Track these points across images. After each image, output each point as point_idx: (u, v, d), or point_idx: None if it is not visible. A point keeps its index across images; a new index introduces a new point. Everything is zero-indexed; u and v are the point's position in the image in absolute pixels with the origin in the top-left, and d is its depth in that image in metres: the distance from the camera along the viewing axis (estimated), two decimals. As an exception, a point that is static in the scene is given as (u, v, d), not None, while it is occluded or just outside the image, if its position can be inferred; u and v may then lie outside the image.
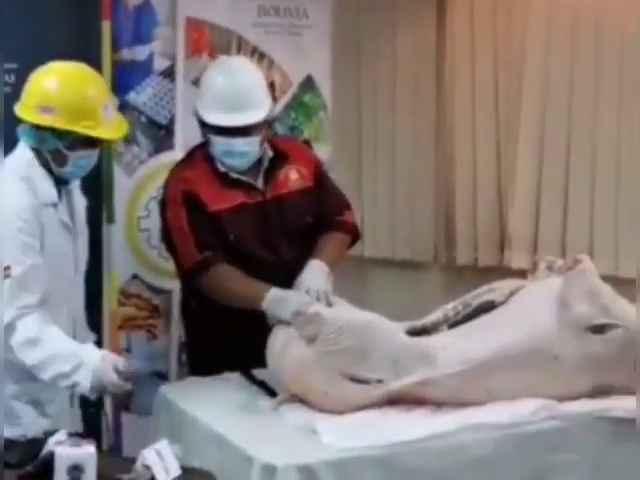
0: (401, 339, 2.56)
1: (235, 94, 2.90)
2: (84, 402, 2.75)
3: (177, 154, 3.35)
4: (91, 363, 2.43)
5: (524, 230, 3.91)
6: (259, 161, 3.00)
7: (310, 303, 2.67)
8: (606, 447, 2.56)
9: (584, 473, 2.53)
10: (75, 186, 2.72)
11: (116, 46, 3.38)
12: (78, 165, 2.60)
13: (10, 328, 2.41)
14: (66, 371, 2.42)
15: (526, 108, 3.86)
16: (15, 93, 2.72)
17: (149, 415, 2.86)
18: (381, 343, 2.51)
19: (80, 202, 2.76)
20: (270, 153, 3.02)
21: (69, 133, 2.52)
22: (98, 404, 3.01)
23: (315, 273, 2.87)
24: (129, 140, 3.37)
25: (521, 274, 3.25)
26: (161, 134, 3.49)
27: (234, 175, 2.96)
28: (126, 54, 3.42)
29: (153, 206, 3.33)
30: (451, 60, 4.06)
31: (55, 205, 2.59)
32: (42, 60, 2.67)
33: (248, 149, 2.94)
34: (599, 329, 2.59)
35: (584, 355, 2.57)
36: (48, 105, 2.50)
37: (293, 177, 3.04)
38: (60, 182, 2.62)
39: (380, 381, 2.48)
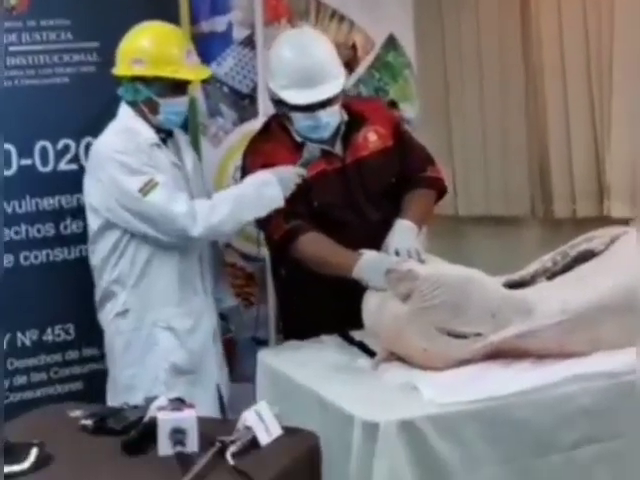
0: (499, 291, 2.51)
1: (309, 69, 2.84)
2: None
3: (261, 122, 3.32)
4: (266, 178, 2.79)
5: (623, 178, 3.77)
6: (336, 128, 2.96)
7: (402, 261, 2.62)
8: None
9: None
10: (182, 139, 3.00)
11: (194, 19, 3.41)
12: (170, 112, 2.86)
13: (190, 217, 2.74)
14: (257, 196, 2.78)
15: (618, 51, 3.72)
16: (98, 71, 2.99)
17: (249, 383, 2.88)
18: (478, 296, 2.45)
19: (189, 151, 3.00)
20: (345, 117, 2.98)
21: (158, 80, 2.81)
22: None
23: (403, 233, 2.82)
24: (213, 111, 3.39)
25: (622, 223, 3.14)
26: (244, 103, 3.50)
27: (323, 148, 2.93)
28: (205, 26, 3.44)
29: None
30: (536, 8, 3.93)
31: (159, 145, 2.85)
32: (122, 37, 2.88)
33: (331, 119, 2.91)
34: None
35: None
36: (138, 57, 2.81)
37: (372, 138, 3.00)
38: (161, 132, 2.88)
39: (479, 335, 2.43)
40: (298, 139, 2.94)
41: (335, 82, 2.88)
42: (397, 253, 2.72)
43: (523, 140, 4.08)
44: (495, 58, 4.03)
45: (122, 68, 2.85)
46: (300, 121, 2.89)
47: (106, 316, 2.88)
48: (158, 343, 2.85)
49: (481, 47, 4.05)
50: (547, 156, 4.02)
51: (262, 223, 2.93)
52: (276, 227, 2.87)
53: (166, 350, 2.85)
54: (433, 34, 4.03)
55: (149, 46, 2.82)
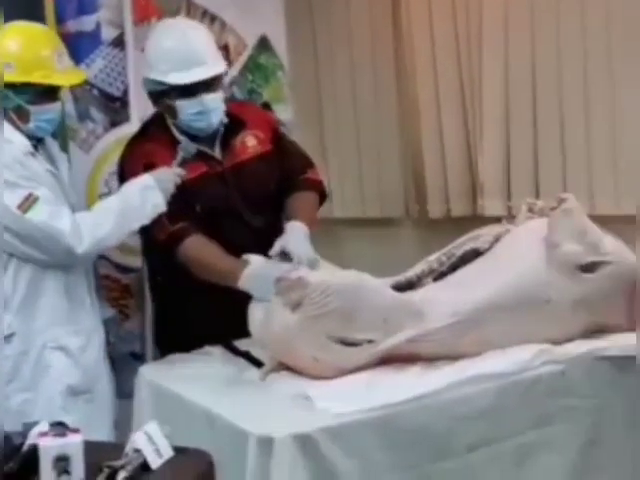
0: (390, 296, 2.47)
1: (190, 51, 2.80)
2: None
3: (134, 126, 3.20)
4: (144, 183, 2.70)
5: (496, 176, 3.84)
6: (215, 130, 2.90)
7: (291, 269, 2.54)
8: (606, 387, 2.50)
9: (586, 415, 2.48)
10: (53, 145, 2.85)
11: (60, 18, 3.24)
12: (42, 120, 2.70)
13: (75, 234, 2.61)
14: (138, 206, 2.68)
15: (488, 50, 3.78)
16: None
17: (128, 398, 2.76)
18: (370, 302, 2.41)
19: (61, 156, 2.87)
20: (225, 119, 2.91)
21: (27, 86, 2.65)
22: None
23: (297, 237, 2.75)
24: (82, 115, 3.25)
25: (496, 222, 3.16)
26: (116, 107, 3.35)
27: (198, 147, 2.85)
28: (72, 26, 3.27)
29: (114, 182, 3.19)
30: (407, 8, 3.95)
31: (33, 154, 2.69)
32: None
33: (218, 105, 2.85)
34: (590, 267, 2.52)
35: (576, 295, 2.50)
36: (5, 62, 2.61)
37: (250, 143, 2.95)
38: (32, 140, 2.72)
39: (371, 341, 2.39)
40: (179, 137, 2.86)
41: (217, 63, 2.86)
42: (299, 260, 2.63)
43: (396, 142, 4.11)
44: (367, 60, 4.05)
45: None
46: (186, 109, 2.81)
47: None
48: (51, 365, 2.70)
49: (353, 48, 4.07)
50: (420, 157, 4.06)
51: (145, 226, 2.80)
52: (161, 229, 2.78)
53: (60, 372, 2.70)
54: (305, 35, 4.02)
55: (17, 49, 2.65)
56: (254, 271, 2.60)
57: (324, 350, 2.39)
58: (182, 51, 2.79)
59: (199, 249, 2.75)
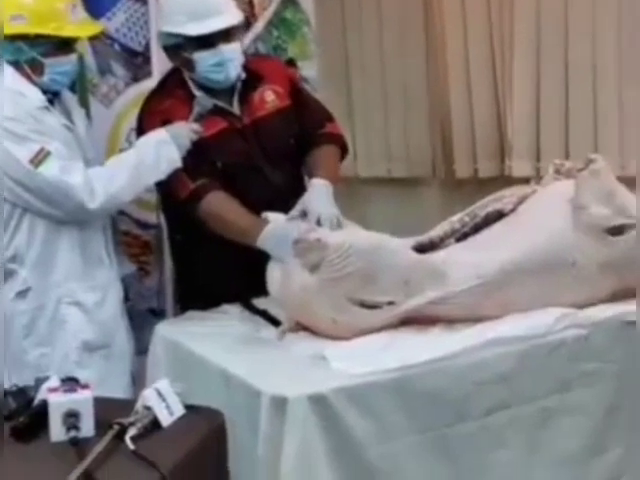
0: (410, 257, 2.41)
1: (205, 1, 2.75)
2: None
3: (156, 81, 3.15)
4: (159, 138, 2.66)
5: (524, 137, 3.75)
6: (232, 85, 2.86)
7: (310, 230, 2.50)
8: (630, 352, 2.43)
9: (609, 380, 2.43)
10: (71, 99, 2.80)
11: (82, -29, 3.19)
12: (56, 72, 2.66)
13: (88, 189, 2.57)
14: (155, 160, 2.65)
15: (519, 8, 3.67)
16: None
17: (145, 355, 2.74)
18: (390, 264, 2.35)
19: (79, 111, 2.82)
20: (242, 74, 2.86)
21: (41, 38, 2.61)
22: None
23: (321, 195, 2.70)
24: (103, 70, 3.22)
25: (524, 183, 3.10)
26: (137, 61, 3.33)
27: (215, 102, 2.81)
28: (93, -21, 3.22)
29: (134, 137, 3.14)
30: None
31: (47, 108, 2.64)
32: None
33: (236, 55, 2.81)
34: (617, 230, 2.46)
35: (603, 259, 2.45)
36: (18, 14, 2.59)
37: (269, 98, 2.90)
38: (47, 94, 2.67)
39: (391, 303, 2.34)
40: (196, 92, 2.81)
41: (234, 13, 2.82)
42: (319, 221, 2.59)
43: (424, 100, 4.02)
44: (395, 16, 3.96)
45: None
46: (204, 61, 2.77)
47: (3, 296, 2.65)
48: (66, 320, 2.68)
49: (381, 4, 3.97)
50: (448, 117, 3.97)
51: (165, 184, 2.77)
52: (182, 186, 2.74)
53: (75, 327, 2.68)
54: (332, -10, 3.91)
55: (30, 1, 2.60)
56: (273, 231, 2.57)
57: (343, 312, 2.35)
58: (198, 1, 2.74)
59: (220, 205, 2.72)
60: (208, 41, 2.75)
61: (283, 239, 2.50)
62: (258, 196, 2.77)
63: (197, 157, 2.73)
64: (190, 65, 2.80)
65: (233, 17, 2.80)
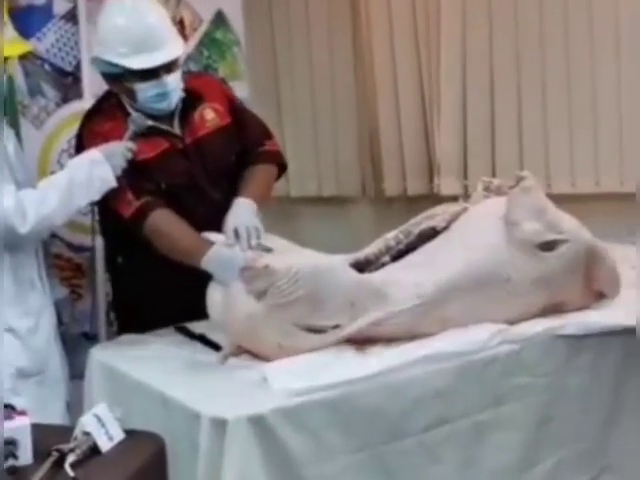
0: (355, 278, 2.43)
1: (149, 33, 2.70)
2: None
3: (87, 102, 3.15)
4: (92, 158, 2.62)
5: (452, 155, 3.83)
6: None
7: (255, 257, 2.48)
8: (561, 366, 2.51)
9: (540, 394, 2.48)
10: None
11: (11, -9, 3.15)
12: None
13: (19, 212, 2.53)
14: (87, 180, 2.61)
15: (445, 27, 3.75)
16: None
17: (81, 379, 2.71)
18: (336, 288, 2.36)
19: (7, 132, 2.73)
20: (181, 94, 2.85)
21: None
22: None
23: (241, 211, 2.71)
24: (34, 90, 3.19)
25: (452, 201, 3.16)
26: (68, 82, 3.29)
27: (151, 122, 2.78)
28: (23, -1, 3.19)
29: (65, 159, 3.14)
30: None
31: None
32: None
33: (177, 84, 2.78)
34: (549, 246, 2.50)
35: (536, 274, 2.49)
36: None
37: (209, 116, 2.88)
38: None
39: (337, 326, 2.35)
40: (132, 112, 2.79)
41: (176, 43, 2.79)
42: (236, 232, 2.60)
43: (353, 120, 4.08)
44: (324, 36, 4.02)
45: None
46: (146, 92, 2.74)
47: None
48: None
49: (310, 24, 4.02)
50: (377, 136, 4.03)
51: (108, 203, 2.74)
52: (127, 204, 2.70)
53: (9, 354, 2.60)
54: (261, 10, 3.96)
55: None
56: (218, 253, 2.56)
57: (290, 337, 2.34)
58: (140, 33, 2.69)
59: (165, 223, 2.69)
60: (151, 73, 2.71)
61: (228, 262, 2.50)
62: (201, 214, 2.76)
63: (140, 178, 2.70)
64: (131, 94, 2.76)
65: (177, 49, 2.76)
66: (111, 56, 2.72)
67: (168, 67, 2.73)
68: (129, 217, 2.71)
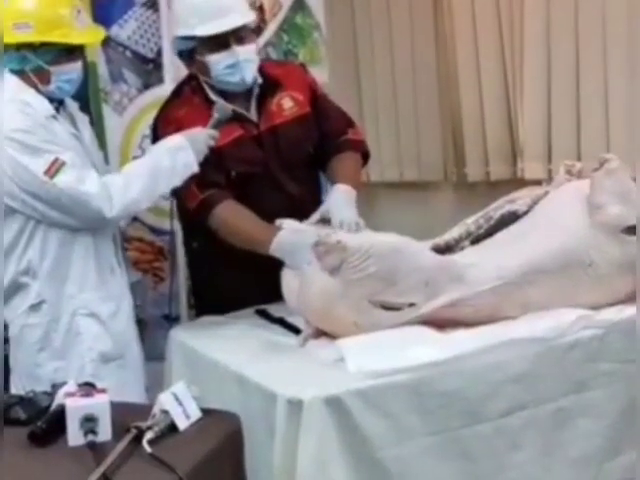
0: (431, 258, 2.40)
1: (217, 1, 2.73)
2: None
3: (168, 88, 3.17)
4: (176, 143, 2.64)
5: (536, 139, 3.74)
6: (249, 90, 2.84)
7: (328, 233, 2.47)
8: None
9: (624, 381, 2.41)
10: (74, 106, 2.76)
11: (94, -20, 3.21)
12: (63, 80, 2.62)
13: (105, 197, 2.55)
14: (171, 165, 2.62)
15: (529, 10, 3.66)
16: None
17: (160, 361, 2.75)
18: (410, 265, 2.34)
19: (83, 118, 2.78)
20: (259, 79, 2.85)
21: (47, 46, 2.57)
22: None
23: (343, 201, 2.69)
24: (115, 77, 3.23)
25: (535, 185, 3.10)
26: (149, 68, 3.34)
27: (235, 109, 2.79)
28: (105, -14, 3.25)
29: (147, 144, 3.17)
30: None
31: (55, 117, 2.61)
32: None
33: (251, 57, 2.79)
34: (634, 230, 2.43)
35: (620, 258, 2.43)
36: (22, 21, 2.55)
37: (287, 105, 2.88)
38: (53, 102, 2.63)
39: (412, 305, 2.33)
40: (213, 98, 2.80)
41: (246, 13, 2.81)
42: (341, 226, 2.58)
43: (435, 104, 4.02)
44: (405, 19, 3.96)
45: (5, 35, 2.55)
46: (218, 63, 2.75)
47: (14, 310, 2.62)
48: (81, 332, 2.64)
49: (390, 7, 3.97)
50: (459, 120, 3.96)
51: (175, 193, 2.77)
52: (191, 196, 2.73)
53: (91, 339, 2.65)
54: (341, -5, 3.92)
55: (34, 8, 2.56)
56: (285, 238, 2.56)
57: (365, 314, 2.33)
58: (209, 3, 2.73)
59: (230, 216, 2.71)
60: (221, 42, 2.73)
61: (297, 246, 2.49)
62: (273, 205, 2.77)
63: (211, 166, 2.71)
64: (205, 69, 2.78)
65: (244, 16, 2.78)
66: (182, 30, 2.76)
67: (238, 37, 2.75)
68: (193, 210, 2.74)
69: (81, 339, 2.64)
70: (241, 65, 2.76)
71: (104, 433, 1.88)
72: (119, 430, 1.89)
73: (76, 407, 1.89)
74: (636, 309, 2.29)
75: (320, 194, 2.95)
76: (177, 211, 2.99)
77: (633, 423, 2.41)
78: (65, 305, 2.63)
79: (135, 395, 2.66)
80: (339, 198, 2.70)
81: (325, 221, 2.66)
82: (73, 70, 2.64)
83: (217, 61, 2.75)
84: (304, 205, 2.75)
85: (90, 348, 2.65)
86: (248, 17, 2.80)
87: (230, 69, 2.76)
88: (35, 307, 2.61)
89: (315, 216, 2.68)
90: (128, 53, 3.30)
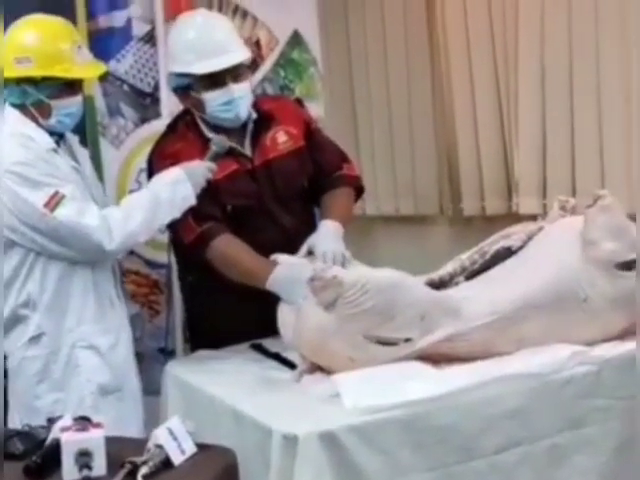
0: (427, 293, 2.41)
1: (213, 39, 2.77)
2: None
3: (165, 122, 3.18)
4: (177, 177, 2.66)
5: (531, 174, 3.76)
6: (244, 125, 2.86)
7: (324, 268, 2.47)
8: (640, 389, 2.43)
9: (620, 417, 2.42)
10: (74, 140, 2.78)
11: (91, 14, 3.26)
12: (63, 114, 2.64)
13: (105, 230, 2.56)
14: (170, 198, 2.64)
15: (524, 46, 3.70)
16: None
17: (156, 395, 2.75)
18: (407, 299, 2.34)
19: (82, 151, 2.81)
20: (253, 114, 2.87)
21: (47, 80, 2.58)
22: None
23: (329, 234, 2.72)
24: (113, 111, 3.25)
25: (531, 220, 3.12)
26: (146, 102, 3.36)
27: (232, 144, 2.81)
28: (103, 21, 3.29)
29: (143, 178, 3.17)
30: (441, 4, 3.90)
31: (56, 151, 2.63)
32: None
33: (245, 94, 2.81)
34: (628, 265, 2.44)
35: (614, 294, 2.44)
36: (24, 56, 2.57)
37: (281, 139, 2.89)
38: (54, 136, 2.65)
39: (408, 340, 2.33)
40: (208, 135, 2.82)
41: (241, 50, 2.83)
42: (323, 257, 2.60)
43: (431, 138, 4.05)
44: (401, 55, 4.00)
45: (6, 69, 2.57)
46: (213, 100, 2.78)
47: (13, 342, 2.62)
48: (80, 364, 2.64)
49: (387, 44, 4.01)
50: (455, 154, 4.00)
51: (171, 226, 2.78)
52: (188, 230, 2.74)
53: (90, 371, 2.65)
54: (338, 30, 3.98)
55: (35, 43, 2.58)
56: (283, 273, 2.57)
57: (360, 350, 2.33)
58: (205, 40, 2.76)
59: (227, 249, 2.72)
60: (217, 80, 2.75)
61: (293, 281, 2.50)
62: (268, 238, 2.78)
63: (207, 200, 2.72)
64: (200, 105, 2.80)
65: (241, 55, 2.80)
66: (178, 67, 2.79)
67: (234, 75, 2.77)
68: (190, 243, 2.75)
69: (80, 371, 2.64)
70: (236, 102, 2.78)
71: (99, 468, 1.88)
72: (114, 465, 1.89)
73: (71, 442, 1.89)
74: (636, 343, 2.29)
75: (314, 226, 2.97)
76: (172, 244, 3.00)
77: (628, 459, 2.42)
78: (64, 337, 2.63)
79: (134, 428, 2.66)
80: (325, 232, 2.73)
81: (312, 255, 2.67)
82: (73, 104, 2.66)
83: (213, 98, 2.77)
84: (299, 238, 2.76)
85: (89, 380, 2.65)
86: (245, 55, 2.82)
87: (225, 106, 2.78)
88: (35, 339, 2.61)
89: (303, 249, 2.69)
90: (125, 87, 3.33)
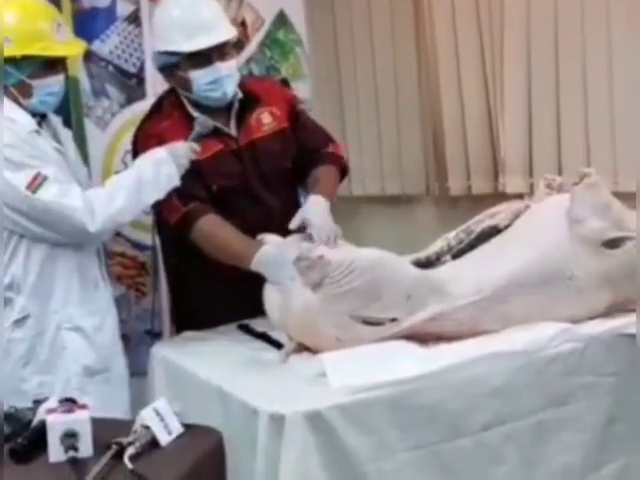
0: (413, 272, 2.42)
1: (200, 18, 2.75)
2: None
3: (150, 103, 3.16)
4: (158, 157, 2.64)
5: (517, 153, 3.76)
6: (229, 105, 2.85)
7: (310, 248, 2.49)
8: (625, 366, 2.45)
9: (605, 394, 2.43)
10: (57, 121, 2.75)
11: (75, -6, 3.22)
12: (45, 93, 2.61)
13: (88, 211, 2.54)
14: (154, 178, 2.62)
15: (509, 26, 3.70)
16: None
17: (143, 376, 2.75)
18: (392, 279, 2.35)
19: (66, 133, 2.79)
20: (239, 94, 2.86)
21: (28, 59, 2.56)
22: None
23: (318, 211, 2.71)
24: (98, 92, 3.24)
25: (517, 199, 3.12)
26: (131, 83, 3.34)
27: (216, 124, 2.81)
28: (87, 1, 3.27)
29: (129, 159, 3.16)
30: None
31: (38, 132, 2.61)
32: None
33: (232, 73, 2.80)
34: (613, 243, 2.46)
35: (599, 271, 2.45)
36: (4, 36, 2.52)
37: (266, 120, 2.90)
38: (36, 117, 2.63)
39: (394, 320, 2.34)
40: (194, 113, 2.81)
41: (228, 29, 2.82)
42: (319, 232, 2.59)
43: (417, 118, 4.05)
44: (387, 35, 3.99)
45: None
46: (200, 79, 2.77)
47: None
48: (66, 346, 2.64)
49: (372, 23, 4.00)
50: (441, 134, 3.99)
51: (156, 206, 2.77)
52: (173, 210, 2.73)
53: (76, 353, 2.65)
54: (323, 10, 3.96)
55: (15, 22, 2.55)
56: (267, 254, 2.57)
57: (347, 329, 2.34)
58: (191, 18, 2.74)
59: (213, 229, 2.71)
60: (203, 59, 2.74)
61: (279, 262, 2.50)
62: (253, 219, 2.78)
63: (192, 180, 2.71)
64: (186, 84, 2.79)
65: (227, 33, 2.79)
66: (164, 45, 2.78)
67: (220, 53, 2.76)
68: (175, 223, 2.74)
69: (66, 353, 2.64)
70: (223, 81, 2.77)
71: (85, 449, 1.87)
72: (100, 446, 1.88)
73: (57, 423, 1.88)
74: (636, 318, 2.30)
75: (298, 206, 2.96)
76: (156, 226, 3.00)
77: (614, 436, 2.43)
78: (50, 319, 2.63)
79: (120, 409, 2.66)
80: (316, 206, 2.72)
81: (304, 230, 2.66)
82: (55, 83, 2.63)
83: (199, 77, 2.76)
84: (283, 218, 2.75)
85: (75, 362, 2.64)
86: (231, 33, 2.82)
87: (212, 85, 2.77)
88: (20, 322, 2.60)
89: (296, 221, 2.68)
90: (110, 68, 3.30)
